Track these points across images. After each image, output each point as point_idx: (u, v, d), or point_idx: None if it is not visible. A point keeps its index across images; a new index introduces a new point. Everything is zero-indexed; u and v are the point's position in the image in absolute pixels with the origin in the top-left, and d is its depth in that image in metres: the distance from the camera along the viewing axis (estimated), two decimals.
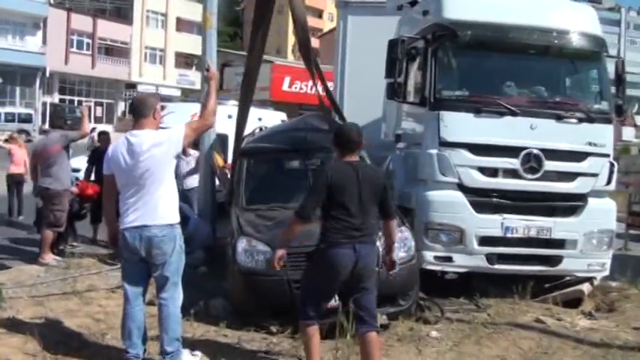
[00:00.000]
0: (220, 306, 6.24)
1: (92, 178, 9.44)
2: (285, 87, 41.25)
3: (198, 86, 36.76)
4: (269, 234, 6.04)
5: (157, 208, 4.58)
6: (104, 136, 10.13)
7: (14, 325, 5.38)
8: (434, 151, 7.02)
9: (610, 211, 7.48)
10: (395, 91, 7.33)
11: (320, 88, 8.48)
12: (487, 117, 7.00)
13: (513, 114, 6.99)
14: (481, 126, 7.00)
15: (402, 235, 6.18)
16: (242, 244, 5.98)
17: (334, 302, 4.90)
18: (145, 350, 4.76)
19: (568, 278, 7.68)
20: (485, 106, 7.01)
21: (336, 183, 4.47)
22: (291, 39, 65.42)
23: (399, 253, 6.03)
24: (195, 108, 9.50)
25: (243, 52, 36.36)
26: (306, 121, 8.55)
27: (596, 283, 7.78)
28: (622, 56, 8.05)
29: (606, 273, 7.58)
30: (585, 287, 7.52)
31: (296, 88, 39.96)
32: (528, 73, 7.52)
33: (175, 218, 4.72)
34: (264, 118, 13.71)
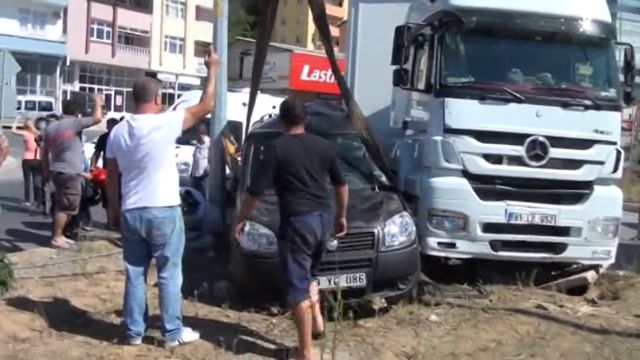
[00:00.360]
0: (224, 288, 6.37)
1: (99, 163, 9.58)
2: (304, 76, 41.24)
3: None
4: (272, 218, 6.13)
5: (157, 191, 4.71)
6: (113, 124, 10.26)
7: (24, 304, 5.57)
8: (438, 138, 7.04)
9: (616, 199, 7.43)
10: (401, 78, 7.35)
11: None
12: (492, 104, 6.98)
13: (519, 101, 6.97)
14: (486, 113, 6.99)
15: (403, 220, 6.26)
16: (246, 228, 6.05)
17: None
18: (146, 328, 4.90)
19: (575, 266, 7.68)
20: (491, 93, 7.00)
21: (285, 157, 4.69)
22: (311, 28, 65.44)
23: (400, 238, 6.12)
24: None
25: None
26: (312, 108, 8.61)
27: (602, 271, 7.77)
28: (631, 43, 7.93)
29: (612, 261, 7.54)
30: (590, 275, 7.49)
31: (315, 76, 39.90)
32: (535, 59, 7.48)
33: (175, 200, 4.85)
34: (279, 106, 13.78)
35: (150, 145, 4.67)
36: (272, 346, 5.02)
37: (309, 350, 4.62)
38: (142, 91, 4.87)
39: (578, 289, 7.48)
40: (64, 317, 5.35)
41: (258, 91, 10.01)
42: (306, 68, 41.62)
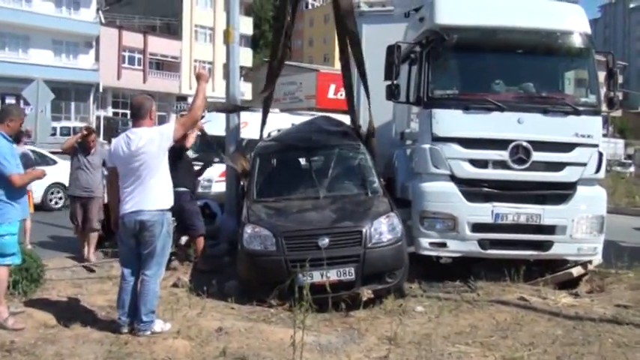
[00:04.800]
0: (233, 287, 7.02)
1: None
2: (330, 94, 41.97)
3: (247, 96, 37.29)
4: (272, 221, 6.85)
5: (150, 196, 5.37)
6: None
7: (54, 300, 6.45)
8: (427, 146, 7.63)
9: (599, 198, 7.86)
10: (392, 93, 7.95)
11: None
12: (476, 113, 7.56)
13: (501, 109, 7.53)
14: (470, 121, 7.56)
15: (390, 219, 6.86)
16: (248, 230, 6.78)
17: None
18: (132, 319, 5.45)
19: (569, 265, 8.12)
20: (474, 103, 7.58)
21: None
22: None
23: (387, 235, 6.71)
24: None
25: (290, 62, 37.50)
26: (313, 123, 9.30)
27: (591, 267, 8.19)
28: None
29: (599, 257, 7.93)
30: (575, 270, 7.89)
31: (341, 95, 40.12)
32: (516, 71, 8.02)
33: (166, 204, 5.48)
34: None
35: (145, 156, 5.33)
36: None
37: None
38: (138, 109, 5.55)
39: (569, 285, 7.89)
40: (88, 310, 6.09)
41: (279, 111, 10.60)
42: (332, 87, 42.23)
